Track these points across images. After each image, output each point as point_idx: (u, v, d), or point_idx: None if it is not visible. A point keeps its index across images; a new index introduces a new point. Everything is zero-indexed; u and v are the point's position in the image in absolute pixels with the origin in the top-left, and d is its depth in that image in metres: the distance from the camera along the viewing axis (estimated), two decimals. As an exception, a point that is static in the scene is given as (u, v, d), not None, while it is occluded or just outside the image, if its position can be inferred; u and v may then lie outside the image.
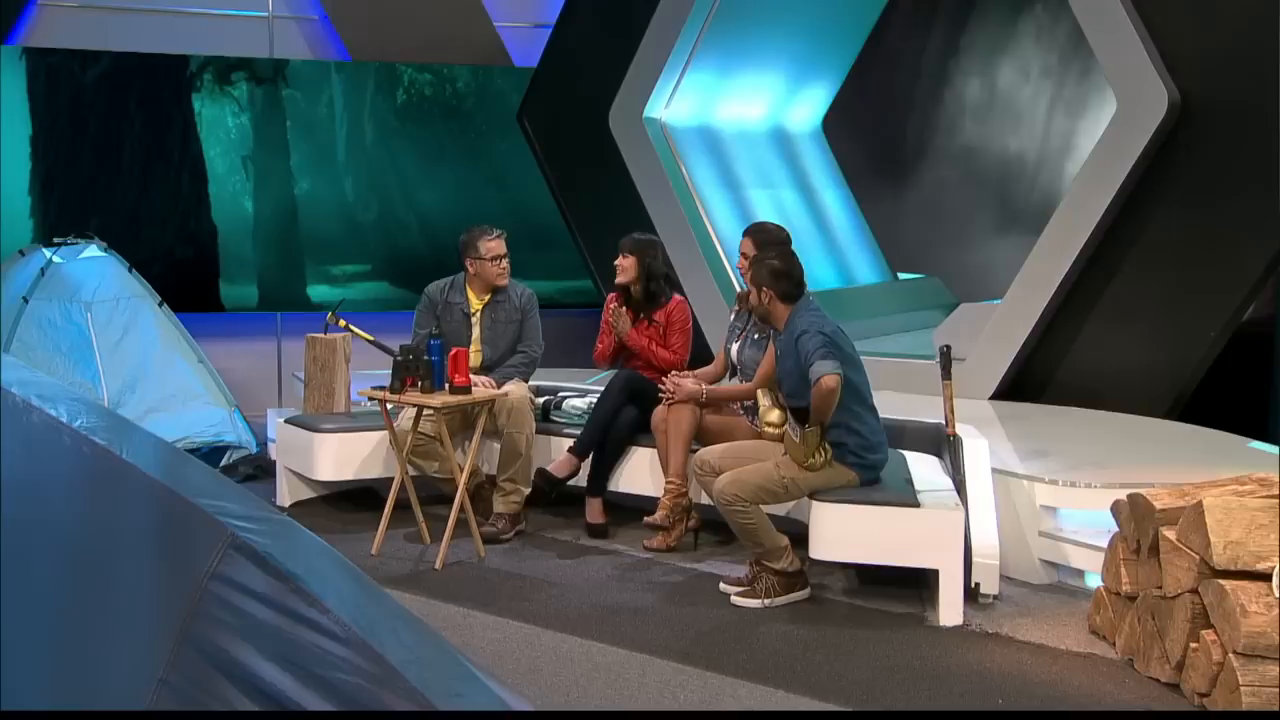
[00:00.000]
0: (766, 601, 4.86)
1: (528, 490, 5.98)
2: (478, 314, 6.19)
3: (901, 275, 9.95)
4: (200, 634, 1.87)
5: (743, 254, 5.64)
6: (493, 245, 6.14)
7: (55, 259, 7.10)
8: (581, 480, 5.99)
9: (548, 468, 5.89)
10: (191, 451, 6.20)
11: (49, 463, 1.91)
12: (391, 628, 1.99)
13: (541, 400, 6.42)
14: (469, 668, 2.03)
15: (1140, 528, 4.25)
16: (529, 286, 6.32)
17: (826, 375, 4.64)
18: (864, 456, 4.88)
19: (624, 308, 6.13)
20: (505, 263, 6.16)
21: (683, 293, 6.88)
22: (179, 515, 1.93)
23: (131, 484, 1.92)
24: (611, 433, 5.93)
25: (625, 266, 6.07)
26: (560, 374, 7.41)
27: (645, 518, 5.52)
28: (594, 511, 5.98)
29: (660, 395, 5.69)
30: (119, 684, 1.83)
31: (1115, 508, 4.47)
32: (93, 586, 1.88)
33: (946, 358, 5.15)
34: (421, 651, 2.00)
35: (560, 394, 6.50)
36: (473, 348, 6.10)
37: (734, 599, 4.92)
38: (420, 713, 1.82)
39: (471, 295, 6.20)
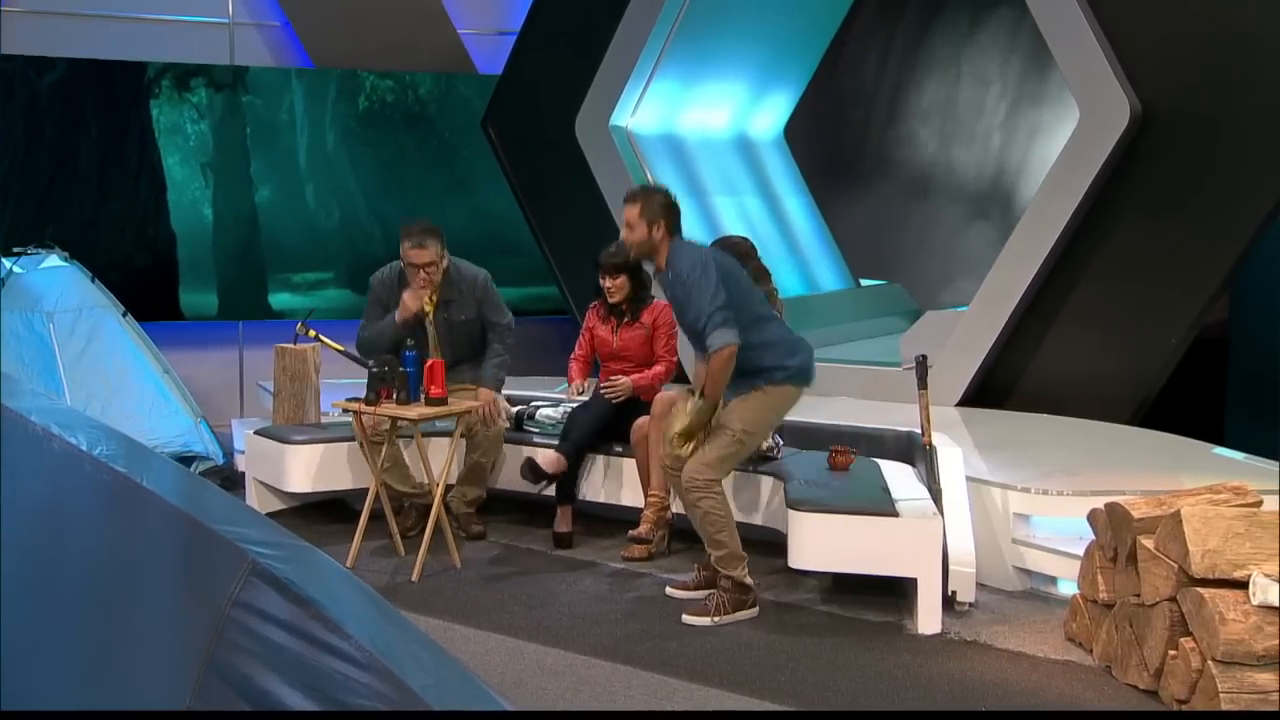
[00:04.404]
0: (716, 619, 4.79)
1: (484, 495, 6.10)
2: (430, 316, 5.96)
3: (864, 281, 10.02)
4: (224, 661, 1.86)
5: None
6: (410, 253, 5.74)
7: (15, 269, 6.99)
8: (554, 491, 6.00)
9: (536, 460, 5.82)
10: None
11: (70, 492, 1.90)
12: (410, 652, 1.99)
13: (515, 410, 6.41)
14: (487, 691, 2.03)
15: (1118, 536, 4.31)
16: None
17: (727, 346, 4.66)
18: (786, 364, 4.85)
19: (609, 319, 6.09)
20: (431, 272, 5.75)
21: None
22: (200, 542, 1.92)
23: (152, 512, 1.91)
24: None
25: (618, 286, 5.96)
26: (527, 382, 7.40)
27: (630, 531, 5.52)
28: (563, 520, 5.97)
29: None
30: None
31: (1092, 516, 4.53)
32: (117, 615, 1.86)
33: (923, 367, 5.19)
34: (440, 675, 2.01)
35: (534, 404, 6.50)
36: (431, 349, 5.94)
37: (685, 618, 4.83)
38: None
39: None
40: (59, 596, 1.87)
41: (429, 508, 5.55)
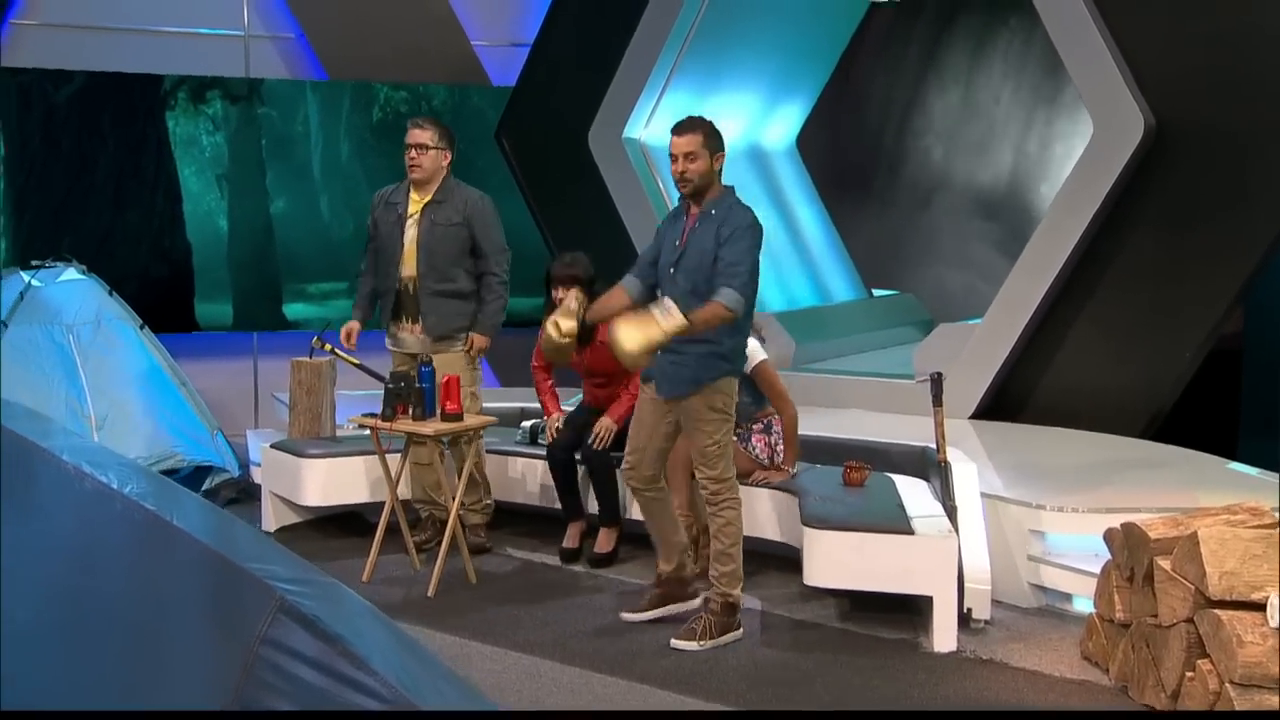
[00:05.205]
0: (703, 643, 4.72)
1: (492, 502, 6.07)
2: (414, 216, 5.81)
3: (876, 292, 10.02)
4: (253, 700, 1.87)
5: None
6: (409, 131, 5.78)
7: (34, 282, 7.03)
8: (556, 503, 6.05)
9: (595, 550, 5.86)
10: (172, 474, 6.16)
11: (101, 530, 1.91)
12: (436, 688, 2.01)
13: (529, 424, 6.42)
14: (510, 723, 2.05)
15: (1134, 556, 4.31)
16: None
17: (732, 308, 4.43)
18: (737, 363, 4.77)
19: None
20: (419, 155, 5.73)
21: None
22: (229, 580, 1.94)
23: (182, 549, 1.92)
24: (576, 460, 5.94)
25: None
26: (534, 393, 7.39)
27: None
28: (572, 536, 5.97)
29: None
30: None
31: (1109, 536, 4.53)
32: (147, 653, 1.88)
33: (938, 385, 5.19)
34: (465, 710, 2.02)
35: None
36: (406, 254, 5.80)
37: (673, 642, 4.74)
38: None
39: (413, 195, 5.86)
40: (90, 634, 1.88)
41: (445, 521, 5.56)
